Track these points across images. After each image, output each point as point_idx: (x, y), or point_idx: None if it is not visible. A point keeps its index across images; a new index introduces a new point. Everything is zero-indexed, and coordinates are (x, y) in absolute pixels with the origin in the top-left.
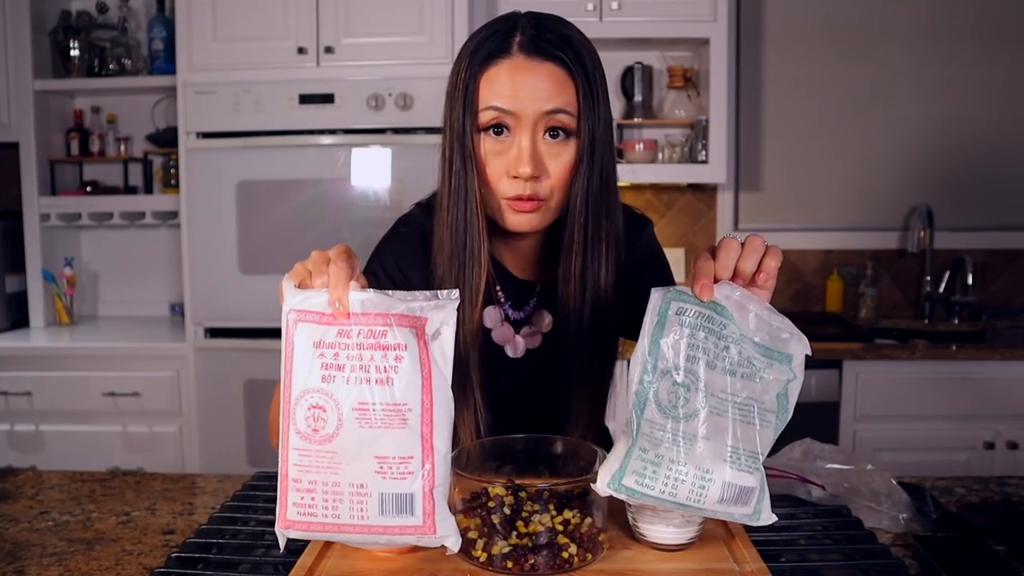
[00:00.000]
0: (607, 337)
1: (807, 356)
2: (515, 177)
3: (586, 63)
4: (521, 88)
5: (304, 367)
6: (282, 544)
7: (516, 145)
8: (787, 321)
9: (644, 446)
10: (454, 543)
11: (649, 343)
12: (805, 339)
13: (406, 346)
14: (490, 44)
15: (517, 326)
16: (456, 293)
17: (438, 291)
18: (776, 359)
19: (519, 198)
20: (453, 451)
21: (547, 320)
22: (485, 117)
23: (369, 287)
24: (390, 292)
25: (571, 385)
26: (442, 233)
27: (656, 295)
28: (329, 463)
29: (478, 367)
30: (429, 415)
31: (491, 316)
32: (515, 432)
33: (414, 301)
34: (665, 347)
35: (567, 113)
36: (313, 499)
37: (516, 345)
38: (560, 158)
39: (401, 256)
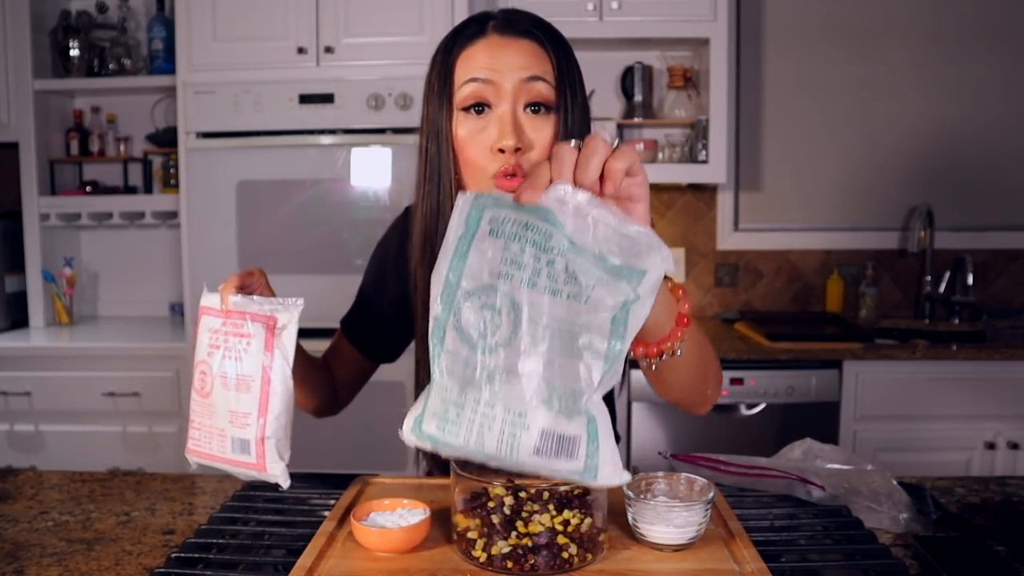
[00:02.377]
0: None
1: (667, 277)
2: (500, 151)
3: (560, 41)
4: (498, 60)
5: (200, 344)
6: (193, 465)
7: (496, 119)
8: (646, 230)
9: (445, 383)
10: (284, 482)
11: (452, 257)
12: (666, 250)
13: (255, 335)
14: (464, 32)
15: None
16: (300, 300)
17: (288, 298)
18: (625, 276)
19: (506, 174)
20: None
21: None
22: (463, 93)
23: (259, 293)
24: (255, 297)
25: None
26: (418, 223)
27: (463, 199)
28: (207, 411)
29: None
30: (267, 385)
31: None
32: None
33: (267, 304)
34: (472, 262)
35: (545, 81)
36: (199, 435)
37: None
38: (542, 132)
39: (378, 262)
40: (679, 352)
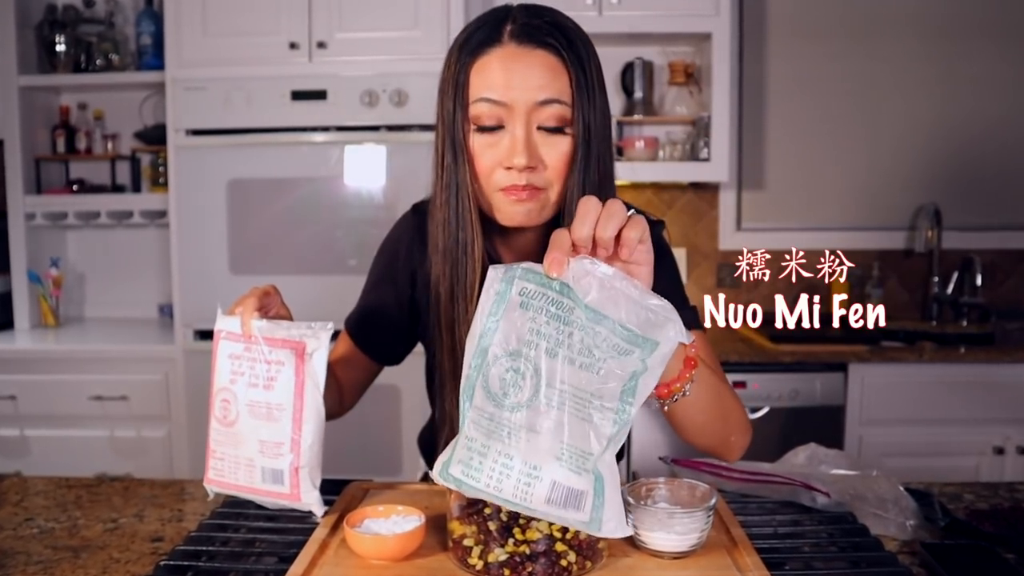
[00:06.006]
0: None
1: (678, 342)
2: (509, 168)
3: (579, 51)
4: (513, 77)
5: (221, 371)
6: (210, 494)
7: (509, 136)
8: (665, 304)
9: (471, 434)
10: (318, 510)
11: (483, 325)
12: (680, 324)
13: (284, 363)
14: (481, 34)
15: None
16: (330, 324)
17: (314, 322)
18: (639, 345)
19: (515, 187)
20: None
21: None
22: (476, 110)
23: (275, 316)
24: (280, 322)
25: None
26: (436, 231)
27: (494, 272)
28: (232, 441)
29: None
30: (299, 414)
31: None
32: None
33: (295, 329)
34: (503, 330)
35: (561, 103)
36: (223, 465)
37: None
38: (556, 148)
39: (386, 261)
40: (687, 393)
